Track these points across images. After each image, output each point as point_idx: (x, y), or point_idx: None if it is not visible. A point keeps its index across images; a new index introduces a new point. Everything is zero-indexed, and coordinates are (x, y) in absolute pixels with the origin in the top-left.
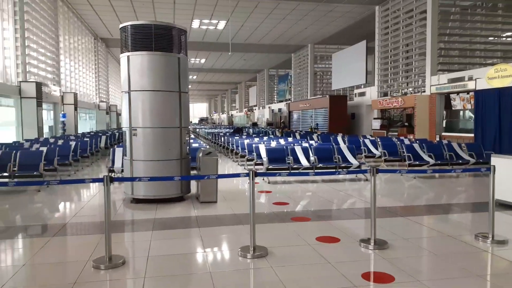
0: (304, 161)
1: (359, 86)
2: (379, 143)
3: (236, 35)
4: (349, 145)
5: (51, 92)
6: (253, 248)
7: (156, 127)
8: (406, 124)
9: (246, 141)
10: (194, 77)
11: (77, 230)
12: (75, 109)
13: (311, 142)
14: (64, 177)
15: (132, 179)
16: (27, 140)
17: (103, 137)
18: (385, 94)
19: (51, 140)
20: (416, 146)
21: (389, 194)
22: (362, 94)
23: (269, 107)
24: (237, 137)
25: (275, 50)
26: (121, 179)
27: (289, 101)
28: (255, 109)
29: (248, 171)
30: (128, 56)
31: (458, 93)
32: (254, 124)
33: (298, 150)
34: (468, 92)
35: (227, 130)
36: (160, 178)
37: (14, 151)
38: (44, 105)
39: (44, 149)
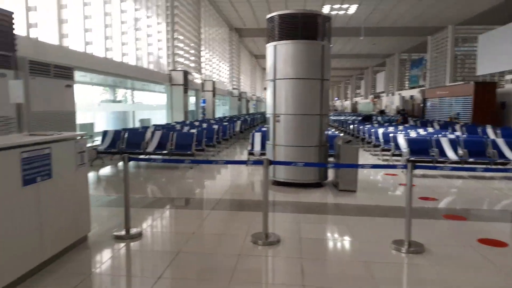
0: (451, 154)
1: None
2: None
3: (367, 18)
4: (505, 138)
5: (194, 80)
6: (408, 243)
7: (297, 114)
8: None
9: (381, 130)
10: None
11: (230, 206)
12: (213, 95)
13: (456, 133)
14: (210, 157)
15: (288, 163)
16: (177, 123)
17: (238, 122)
18: None
19: (196, 124)
20: None
21: None
22: None
23: (399, 94)
24: (368, 125)
25: (409, 33)
26: (279, 163)
27: (423, 88)
28: (382, 96)
29: (405, 163)
30: (274, 45)
31: None
32: (382, 112)
33: (445, 142)
34: None
35: (354, 117)
36: (313, 164)
37: (171, 132)
38: (188, 92)
39: (194, 131)
